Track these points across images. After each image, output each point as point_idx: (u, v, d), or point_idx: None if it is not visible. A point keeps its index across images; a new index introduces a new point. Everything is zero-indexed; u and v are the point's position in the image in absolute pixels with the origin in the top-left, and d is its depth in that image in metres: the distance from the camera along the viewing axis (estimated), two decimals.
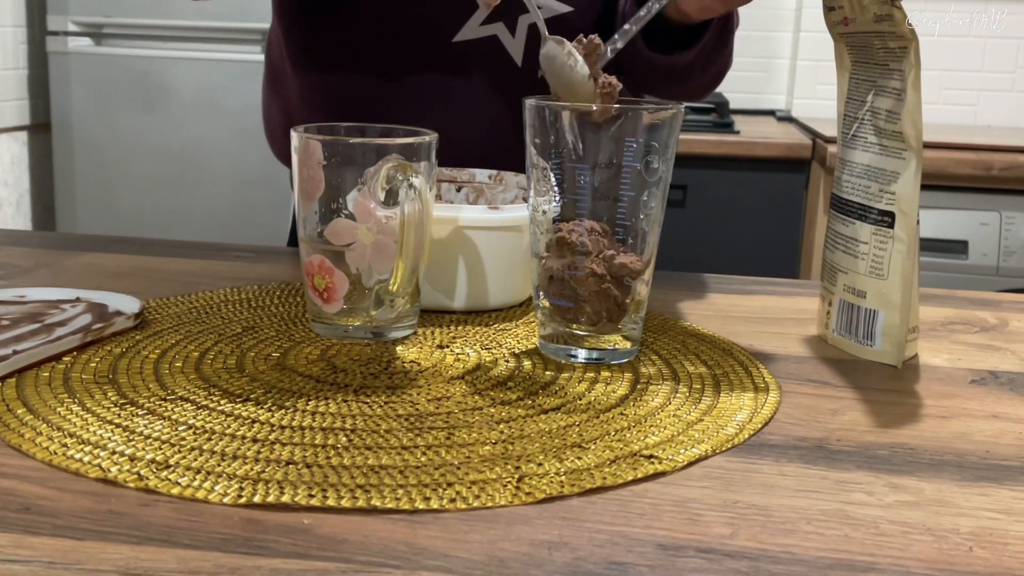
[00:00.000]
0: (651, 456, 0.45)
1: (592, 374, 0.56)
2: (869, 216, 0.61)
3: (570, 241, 0.55)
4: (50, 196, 2.48)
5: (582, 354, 0.58)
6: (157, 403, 0.49)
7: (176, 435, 0.45)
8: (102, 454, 0.43)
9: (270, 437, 0.46)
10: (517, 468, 0.43)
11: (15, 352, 0.53)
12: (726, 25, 0.85)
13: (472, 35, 0.86)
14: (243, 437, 0.46)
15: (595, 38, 0.58)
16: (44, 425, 0.46)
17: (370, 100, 0.89)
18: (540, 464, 0.44)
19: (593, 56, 0.57)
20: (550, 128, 0.55)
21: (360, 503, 0.40)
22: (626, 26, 0.64)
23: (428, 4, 0.85)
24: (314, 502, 0.40)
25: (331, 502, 0.40)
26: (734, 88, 2.43)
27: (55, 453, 0.43)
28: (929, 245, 1.89)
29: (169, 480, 0.41)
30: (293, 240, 1.08)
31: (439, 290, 0.66)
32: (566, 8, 0.86)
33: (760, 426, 0.50)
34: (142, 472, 0.42)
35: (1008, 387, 0.58)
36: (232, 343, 0.59)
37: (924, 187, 0.60)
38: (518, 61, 0.87)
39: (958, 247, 1.91)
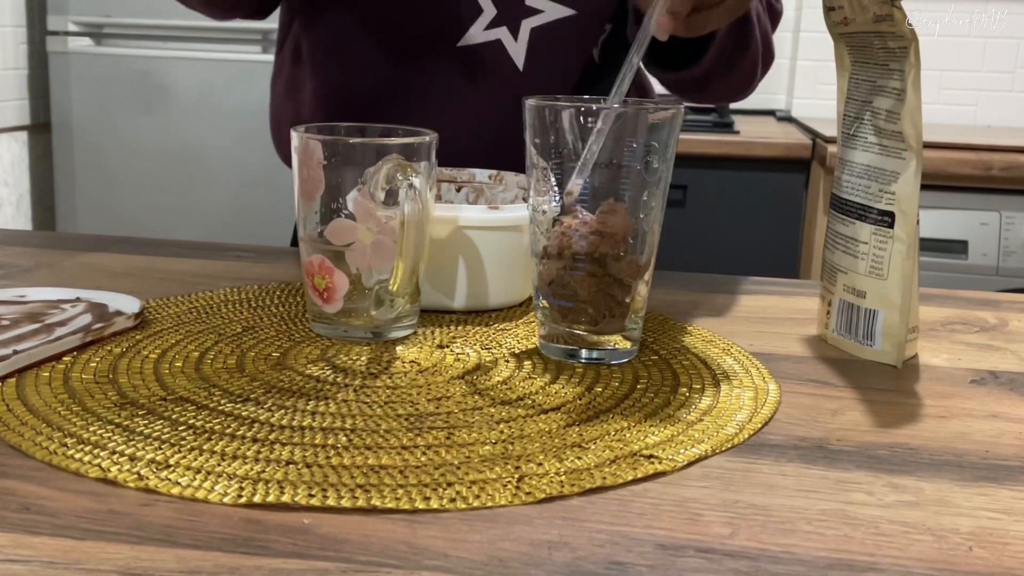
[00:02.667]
0: (651, 456, 0.45)
1: (592, 374, 0.56)
2: (869, 216, 0.61)
3: (569, 244, 0.55)
4: (50, 196, 2.48)
5: (582, 354, 0.58)
6: (157, 403, 0.49)
7: (176, 435, 0.45)
8: (102, 454, 0.43)
9: (270, 437, 0.46)
10: (517, 468, 0.43)
11: (15, 352, 0.53)
12: (743, 30, 0.84)
13: (477, 39, 0.86)
14: (243, 437, 0.46)
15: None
16: (44, 425, 0.46)
17: (373, 101, 0.89)
18: (540, 464, 0.44)
19: None
20: (550, 128, 0.55)
21: (360, 503, 0.40)
22: (633, 47, 0.62)
23: (433, 8, 0.85)
24: (314, 502, 0.40)
25: (331, 502, 0.40)
26: None
27: (55, 453, 0.43)
28: (929, 245, 1.89)
29: (169, 480, 0.41)
30: (296, 240, 1.08)
31: (439, 290, 0.66)
32: (569, 11, 0.86)
33: (760, 426, 0.50)
34: (142, 472, 0.42)
35: (1008, 387, 0.58)
36: (232, 343, 0.59)
37: (924, 187, 0.60)
38: (519, 65, 0.87)
39: (958, 247, 1.91)
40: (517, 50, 0.86)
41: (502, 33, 0.86)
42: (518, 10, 0.85)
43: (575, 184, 0.55)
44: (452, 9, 0.85)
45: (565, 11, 0.86)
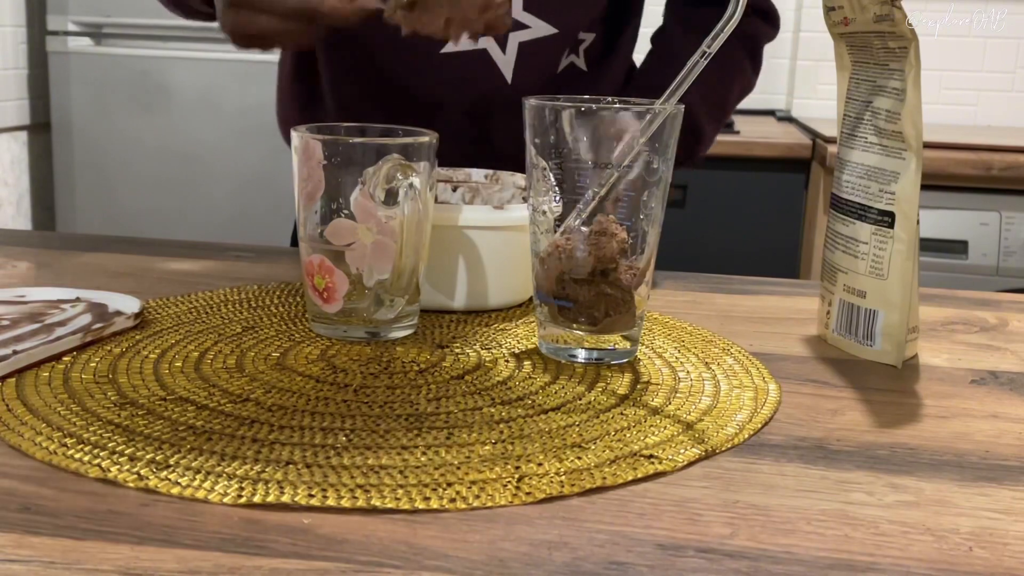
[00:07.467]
0: (651, 456, 0.45)
1: (592, 374, 0.56)
2: (869, 216, 0.61)
3: (569, 248, 0.55)
4: (50, 196, 2.48)
5: (582, 354, 0.58)
6: (157, 403, 0.49)
7: (176, 435, 0.45)
8: (102, 454, 0.43)
9: (270, 437, 0.46)
10: (517, 468, 0.43)
11: (15, 352, 0.53)
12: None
13: (462, 47, 0.86)
14: (243, 437, 0.46)
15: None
16: (44, 425, 0.46)
17: (364, 102, 0.90)
18: (540, 464, 0.44)
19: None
20: (550, 128, 0.55)
21: (360, 503, 0.40)
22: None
23: None
24: (314, 502, 0.40)
25: (331, 502, 0.40)
26: None
27: (55, 453, 0.43)
28: (929, 245, 1.89)
29: (169, 480, 0.41)
30: (296, 240, 1.09)
31: (439, 290, 0.66)
32: (553, 30, 0.87)
33: (760, 426, 0.50)
34: (142, 472, 0.42)
35: (1008, 387, 0.58)
36: (232, 343, 0.59)
37: (924, 187, 0.60)
38: (508, 77, 0.88)
39: (958, 247, 1.91)
40: (506, 62, 0.87)
41: (488, 43, 0.86)
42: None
43: (579, 216, 0.55)
44: None
45: (549, 29, 0.87)
